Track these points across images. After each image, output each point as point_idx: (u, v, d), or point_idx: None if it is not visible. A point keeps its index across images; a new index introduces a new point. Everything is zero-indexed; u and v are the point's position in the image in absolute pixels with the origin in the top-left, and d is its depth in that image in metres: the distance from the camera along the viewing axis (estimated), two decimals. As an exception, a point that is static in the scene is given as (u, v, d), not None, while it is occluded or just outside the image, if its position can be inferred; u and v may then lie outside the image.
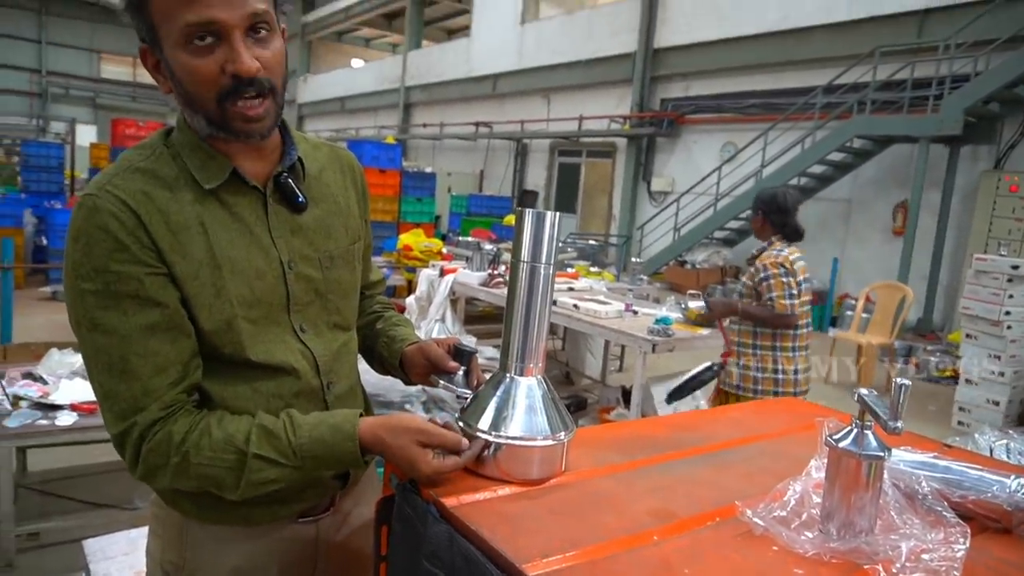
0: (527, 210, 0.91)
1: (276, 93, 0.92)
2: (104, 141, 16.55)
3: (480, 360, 1.11)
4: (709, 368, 3.11)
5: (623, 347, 5.65)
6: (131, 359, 0.86)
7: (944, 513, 0.83)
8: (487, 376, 1.03)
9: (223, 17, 0.84)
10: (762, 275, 3.02)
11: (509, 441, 0.90)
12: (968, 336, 5.08)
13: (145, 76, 29.13)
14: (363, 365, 1.21)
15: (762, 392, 3.00)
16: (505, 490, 0.89)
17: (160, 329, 0.88)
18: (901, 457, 0.93)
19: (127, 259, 0.86)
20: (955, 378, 6.45)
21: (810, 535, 0.79)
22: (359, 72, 22.82)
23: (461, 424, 0.94)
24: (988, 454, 1.27)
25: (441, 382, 1.07)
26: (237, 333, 0.94)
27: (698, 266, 10.75)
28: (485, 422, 0.92)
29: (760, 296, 3.03)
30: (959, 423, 5.08)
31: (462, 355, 1.07)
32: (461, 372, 1.06)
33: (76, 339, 0.90)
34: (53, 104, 27.98)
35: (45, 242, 8.39)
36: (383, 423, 0.93)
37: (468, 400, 1.00)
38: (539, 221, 0.91)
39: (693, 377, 3.12)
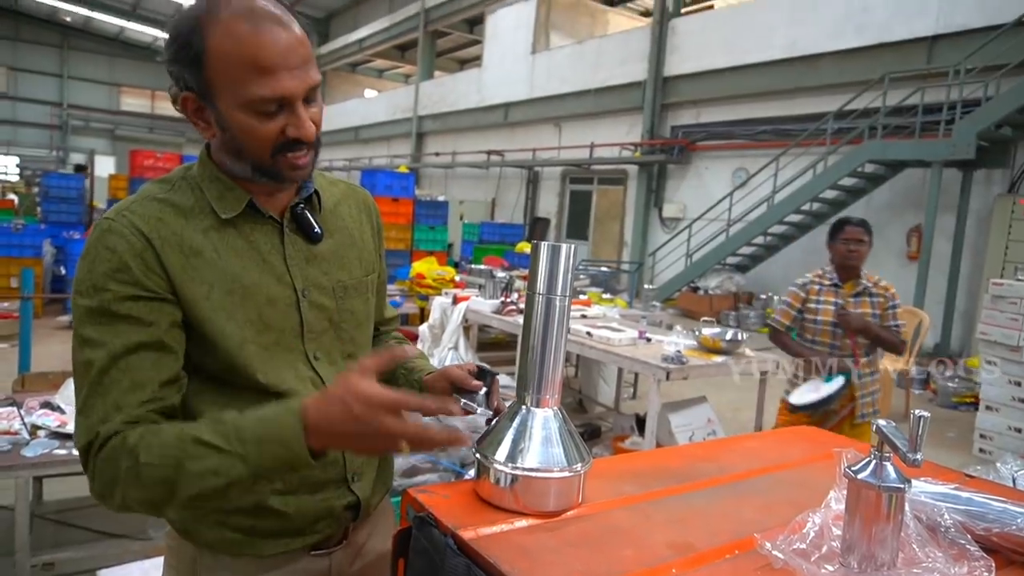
0: (542, 243, 0.92)
1: (318, 144, 0.98)
2: (123, 172, 16.86)
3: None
4: (844, 386, 3.01)
5: (636, 374, 5.62)
6: (112, 373, 0.87)
7: (968, 546, 0.82)
8: (506, 403, 1.03)
9: (292, 91, 0.90)
10: (893, 302, 3.17)
11: (526, 473, 0.90)
12: (988, 362, 5.01)
13: (162, 108, 29.86)
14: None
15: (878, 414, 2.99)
16: (522, 522, 0.89)
17: (144, 348, 0.89)
18: (922, 488, 0.92)
19: (126, 279, 0.88)
20: (975, 404, 6.35)
21: (831, 568, 0.78)
22: (372, 102, 23.17)
23: (478, 456, 0.94)
24: (1011, 484, 1.25)
25: (463, 401, 1.06)
26: (248, 357, 0.95)
27: (711, 292, 10.71)
28: (502, 454, 0.92)
29: (883, 321, 3.07)
30: (980, 450, 4.99)
31: (484, 375, 1.08)
32: (483, 392, 1.07)
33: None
34: (73, 136, 28.58)
35: (64, 272, 8.51)
36: (336, 398, 0.82)
37: (489, 418, 1.00)
38: (554, 254, 0.92)
39: (830, 396, 2.97)
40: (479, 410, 1.05)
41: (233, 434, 0.83)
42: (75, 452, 2.29)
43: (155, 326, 0.89)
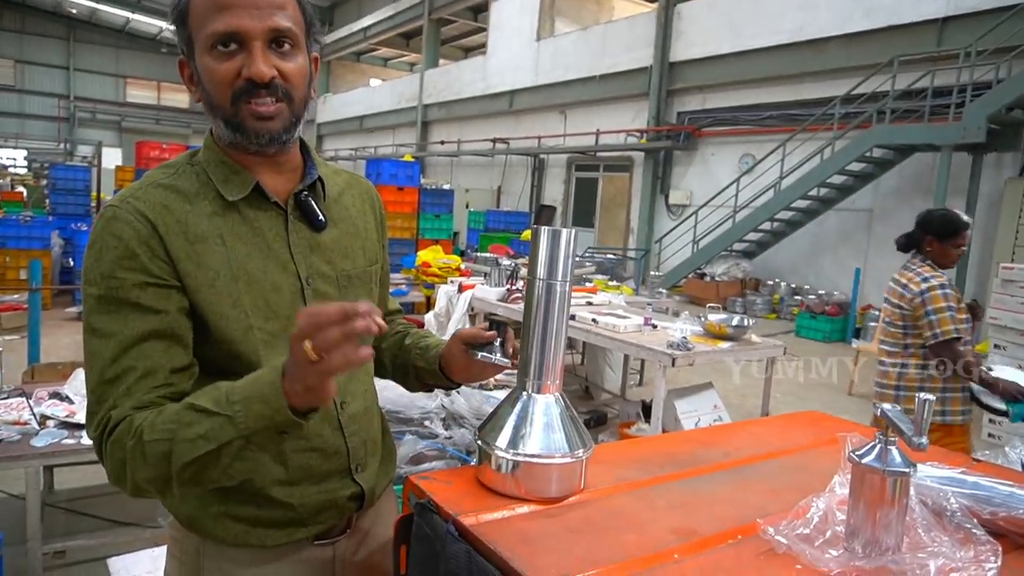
0: (542, 228, 0.92)
1: (292, 101, 0.95)
2: (129, 164, 16.89)
3: (499, 375, 1.11)
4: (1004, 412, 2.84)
5: (643, 361, 5.61)
6: (123, 361, 0.87)
7: (974, 530, 0.81)
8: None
9: (246, 26, 0.89)
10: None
11: (527, 459, 0.90)
12: (996, 347, 4.98)
13: (168, 99, 29.95)
14: (382, 383, 1.21)
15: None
16: (523, 508, 0.88)
17: (155, 336, 0.89)
18: (928, 473, 0.92)
19: (133, 266, 0.88)
20: (984, 390, 6.31)
21: (835, 553, 0.78)
22: (377, 91, 23.10)
23: (480, 443, 0.94)
24: (1019, 468, 1.24)
25: (480, 354, 1.05)
26: (253, 343, 0.95)
27: (718, 279, 10.68)
28: (503, 440, 0.91)
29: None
30: (989, 435, 4.97)
31: (496, 327, 1.07)
32: (498, 342, 1.06)
33: None
34: (80, 128, 28.67)
35: (72, 263, 8.56)
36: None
37: (507, 368, 1.00)
38: (555, 239, 0.91)
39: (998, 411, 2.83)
40: (496, 358, 1.04)
41: (224, 397, 0.81)
42: (84, 441, 2.32)
43: (164, 313, 0.89)
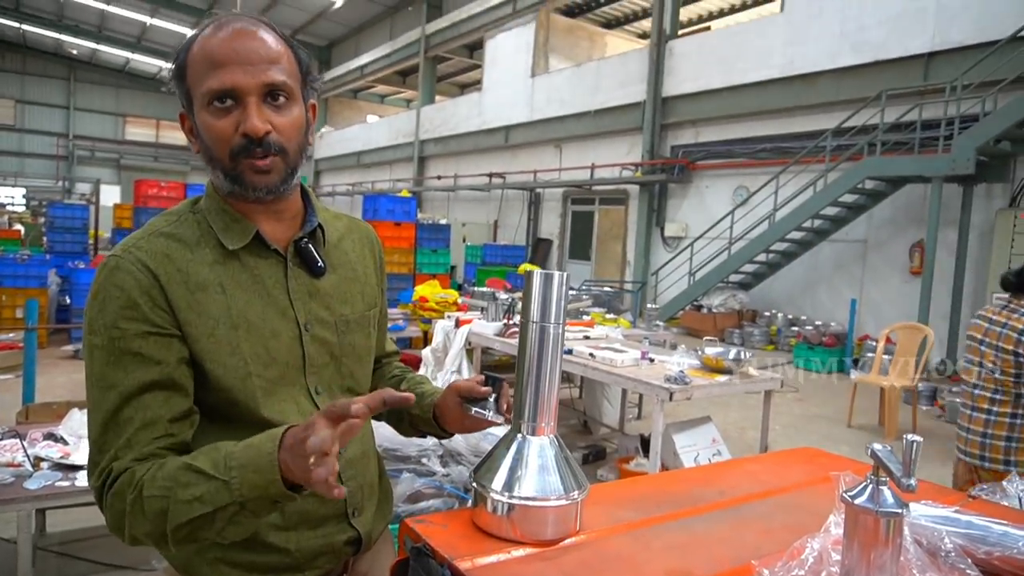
0: (535, 271, 0.93)
1: (286, 154, 0.97)
2: (127, 201, 16.98)
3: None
4: None
5: (641, 395, 5.59)
6: (124, 411, 0.88)
7: (968, 571, 0.81)
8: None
9: (240, 83, 0.92)
10: None
11: (522, 501, 0.90)
12: (993, 377, 4.97)
13: (166, 137, 30.27)
14: (378, 422, 1.21)
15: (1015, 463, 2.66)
16: (519, 551, 0.88)
17: (156, 386, 0.90)
18: (922, 512, 0.92)
19: (135, 316, 0.90)
20: (983, 420, 6.29)
21: (830, 595, 0.78)
22: (374, 127, 23.39)
23: (475, 485, 0.94)
24: (1018, 504, 1.24)
25: (474, 409, 1.05)
26: (251, 390, 0.95)
27: (715, 310, 10.70)
28: (498, 482, 0.92)
29: None
30: (990, 467, 4.94)
31: (492, 382, 1.07)
32: (492, 398, 1.06)
33: None
34: (79, 166, 28.89)
35: (68, 301, 8.55)
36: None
37: (500, 425, 1.00)
38: (547, 282, 0.92)
39: None
40: (490, 415, 1.04)
41: (223, 460, 0.82)
42: (78, 483, 2.30)
43: (164, 363, 0.91)
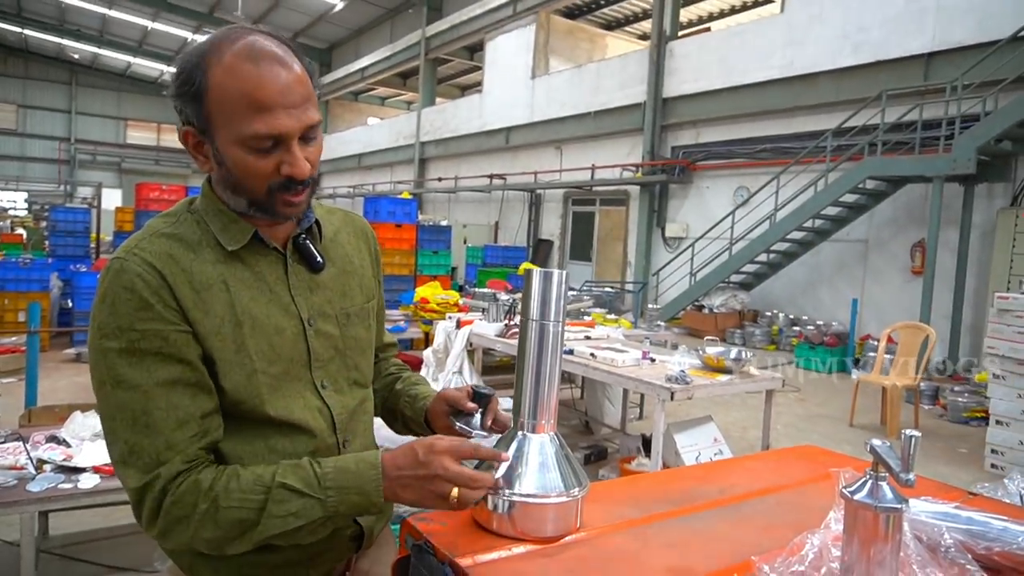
0: (535, 269, 0.93)
1: (316, 183, 1.00)
2: (129, 204, 17.00)
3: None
4: None
5: (642, 395, 5.59)
6: (154, 413, 0.89)
7: (968, 566, 0.81)
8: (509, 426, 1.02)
9: (288, 129, 0.92)
10: None
11: (523, 499, 0.90)
12: (996, 376, 4.97)
13: (167, 141, 30.26)
14: (379, 423, 1.22)
15: None
16: (520, 548, 0.89)
17: (181, 384, 0.91)
18: (922, 508, 0.92)
19: (151, 317, 0.90)
20: (985, 419, 6.29)
21: (830, 591, 0.78)
22: (375, 129, 23.41)
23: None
24: (1019, 501, 1.24)
25: (459, 424, 1.06)
26: (257, 387, 0.96)
27: (716, 310, 10.70)
28: (499, 479, 0.92)
29: None
30: (992, 466, 4.94)
31: (480, 398, 1.08)
32: (478, 414, 1.06)
33: (96, 400, 0.93)
34: (81, 170, 28.95)
35: (71, 305, 8.57)
36: (407, 447, 0.94)
37: (485, 440, 1.00)
38: (547, 280, 0.93)
39: None
40: (474, 433, 1.05)
41: (315, 481, 0.91)
42: (81, 485, 2.31)
43: (186, 361, 0.91)
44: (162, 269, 0.92)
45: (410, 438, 1.01)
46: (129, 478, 0.90)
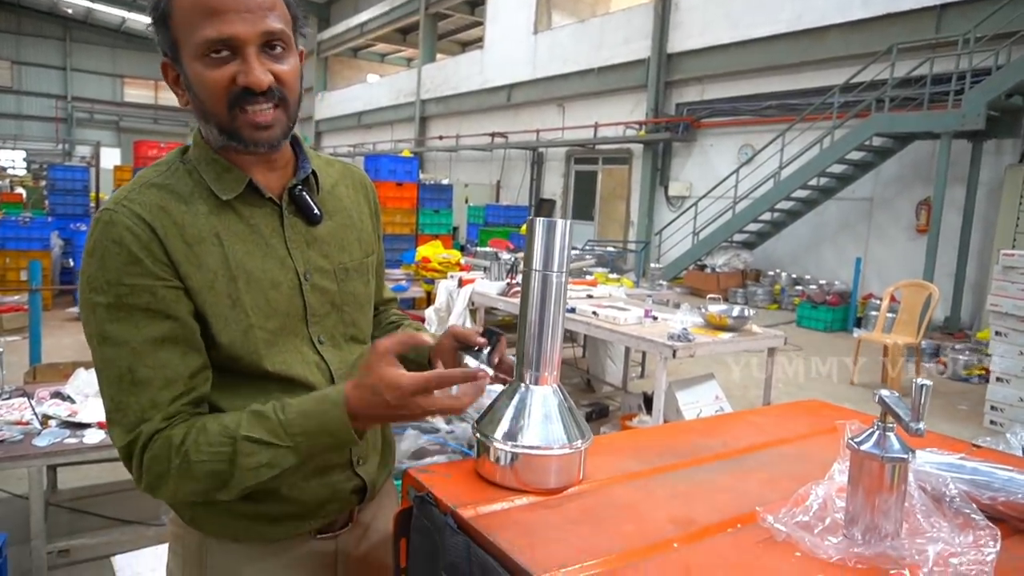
0: (538, 219, 0.91)
1: (288, 105, 0.94)
2: (127, 163, 16.86)
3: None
4: None
5: (644, 353, 5.61)
6: (140, 370, 0.87)
7: (973, 515, 0.81)
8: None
9: (240, 33, 0.87)
10: None
11: (525, 450, 0.90)
12: (998, 333, 4.98)
13: (165, 99, 30.03)
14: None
15: None
16: (522, 500, 0.88)
17: (170, 341, 0.89)
18: (927, 459, 0.91)
19: (140, 272, 0.87)
20: (985, 376, 6.32)
21: (834, 540, 0.78)
22: (375, 87, 23.07)
23: (478, 436, 0.94)
24: (1020, 454, 1.24)
25: (467, 357, 1.04)
26: (254, 343, 0.94)
27: (718, 270, 10.67)
28: (501, 432, 0.91)
29: None
30: (991, 422, 4.97)
31: (491, 335, 1.06)
32: (487, 349, 1.05)
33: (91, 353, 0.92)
34: (78, 128, 28.66)
35: (72, 263, 8.57)
36: (370, 389, 0.87)
37: (493, 377, 0.99)
38: (550, 229, 0.90)
39: None
40: (481, 366, 1.03)
41: (281, 430, 0.88)
42: (86, 440, 2.33)
43: (175, 318, 0.89)
44: (152, 222, 0.89)
45: None
46: (115, 436, 0.90)
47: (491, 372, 1.00)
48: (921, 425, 0.74)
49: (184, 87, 0.93)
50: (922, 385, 0.75)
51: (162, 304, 0.88)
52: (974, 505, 0.83)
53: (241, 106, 0.90)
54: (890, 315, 6.32)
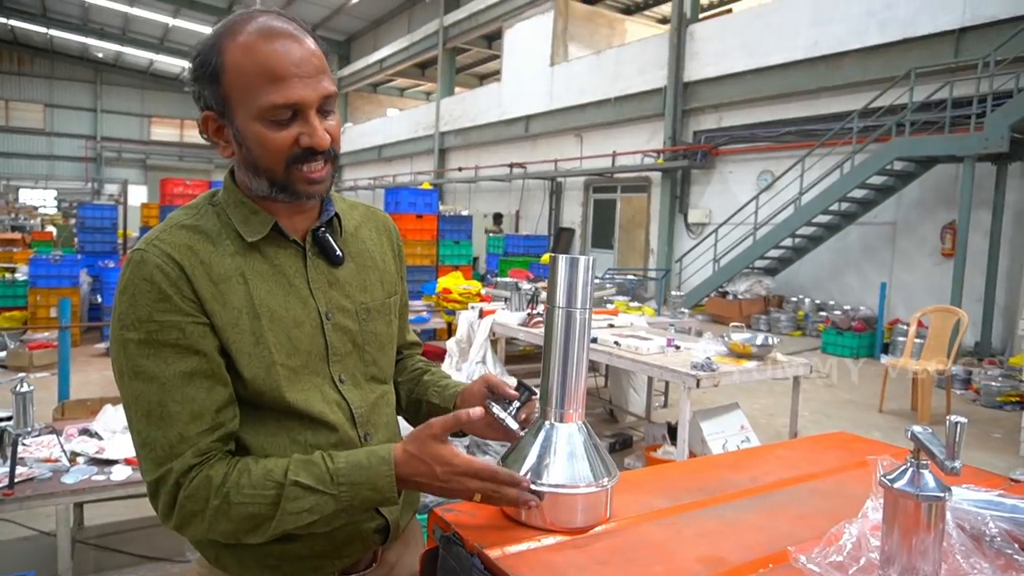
0: (560, 256, 0.92)
1: (336, 160, 0.99)
2: (154, 200, 17.23)
3: None
4: None
5: (667, 382, 5.56)
6: (169, 405, 0.89)
7: (1015, 556, 0.79)
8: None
9: (305, 98, 0.92)
10: None
11: (551, 489, 0.89)
12: (1031, 359, 4.86)
13: (191, 136, 30.69)
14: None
15: None
16: (549, 539, 0.87)
17: (198, 376, 0.91)
18: (964, 496, 0.89)
19: (169, 309, 0.90)
20: (1020, 403, 6.15)
21: (870, 582, 0.76)
22: (394, 121, 23.44)
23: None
24: (1060, 487, 1.20)
25: (495, 407, 1.03)
26: (276, 379, 0.96)
27: (740, 296, 10.58)
28: (527, 470, 0.91)
29: None
30: (1028, 451, 4.83)
31: (523, 391, 1.05)
32: (517, 403, 1.04)
33: (119, 390, 0.93)
34: (107, 167, 29.42)
35: (100, 300, 8.72)
36: (421, 460, 0.92)
37: (511, 432, 1.00)
38: (572, 266, 0.91)
39: None
40: (506, 417, 1.03)
41: (328, 476, 0.90)
42: (113, 477, 2.34)
43: (202, 353, 0.91)
44: (181, 261, 0.92)
45: None
46: (144, 471, 0.91)
47: (516, 427, 1.00)
48: (957, 464, 0.72)
49: (234, 142, 0.97)
50: (956, 422, 0.73)
51: (190, 339, 0.90)
52: (1016, 545, 0.80)
53: (298, 164, 0.95)
54: (918, 341, 6.21)
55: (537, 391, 1.06)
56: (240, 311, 0.94)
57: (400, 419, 1.21)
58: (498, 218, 15.81)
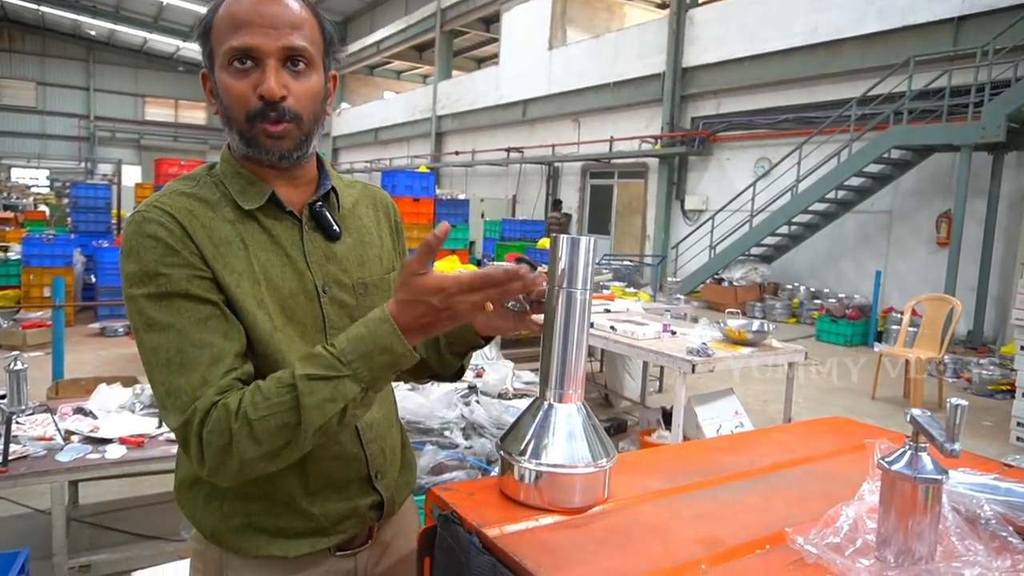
0: (561, 236, 0.91)
1: (300, 120, 0.97)
2: (148, 180, 17.12)
3: (518, 384, 1.10)
4: None
5: (662, 368, 5.58)
6: (188, 351, 0.88)
7: (1010, 539, 0.79)
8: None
9: (260, 44, 0.92)
10: None
11: (550, 469, 0.89)
12: (1023, 348, 4.89)
13: (186, 116, 30.46)
14: (400, 394, 1.20)
15: None
16: (547, 519, 0.88)
17: (213, 319, 0.91)
18: (960, 479, 0.90)
19: (176, 262, 0.90)
20: (1011, 392, 6.20)
21: (866, 563, 0.76)
22: (391, 104, 23.29)
23: (502, 453, 0.94)
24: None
25: (524, 266, 1.01)
26: (277, 345, 0.96)
27: (736, 283, 10.60)
28: (525, 450, 0.91)
29: None
30: (1018, 439, 4.87)
31: (530, 267, 1.03)
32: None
33: (137, 350, 0.92)
34: (100, 147, 29.17)
35: (94, 280, 8.68)
36: (415, 301, 0.86)
37: (524, 313, 1.00)
38: (574, 247, 0.90)
39: None
40: (517, 306, 1.01)
41: (336, 361, 0.86)
42: (108, 456, 2.34)
43: (213, 303, 0.91)
44: (182, 221, 0.93)
45: (442, 406, 0.97)
46: (170, 420, 0.89)
47: (527, 308, 0.99)
48: (956, 446, 0.73)
49: (216, 96, 0.98)
50: (957, 405, 0.74)
51: (200, 290, 0.90)
52: (1010, 528, 0.81)
53: (259, 119, 0.94)
54: (911, 329, 6.24)
55: (542, 266, 1.05)
56: (241, 275, 0.94)
57: (395, 394, 1.20)
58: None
